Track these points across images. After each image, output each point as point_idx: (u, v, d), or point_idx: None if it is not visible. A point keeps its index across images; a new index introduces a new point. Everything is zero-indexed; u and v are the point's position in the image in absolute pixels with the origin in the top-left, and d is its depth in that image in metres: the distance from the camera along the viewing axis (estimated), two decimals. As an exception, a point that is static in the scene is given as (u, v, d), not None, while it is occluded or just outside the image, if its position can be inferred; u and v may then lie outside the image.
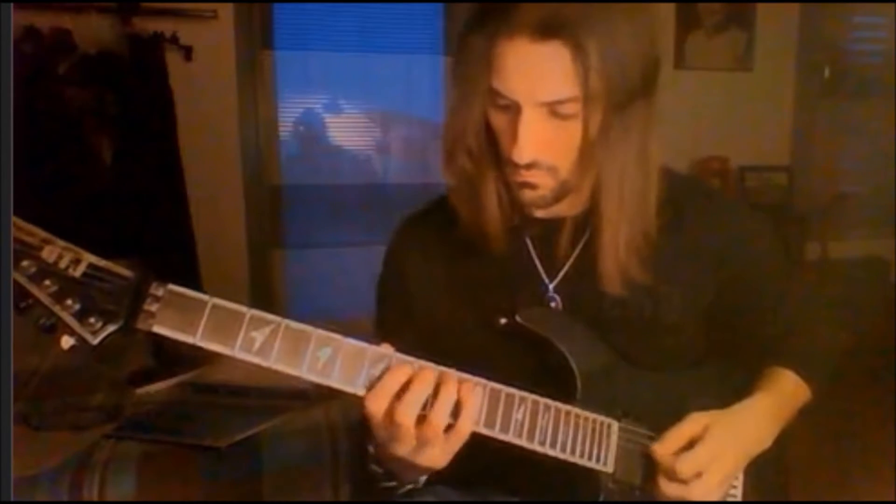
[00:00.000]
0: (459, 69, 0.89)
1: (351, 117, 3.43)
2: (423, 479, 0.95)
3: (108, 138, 2.75)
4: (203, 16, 2.90)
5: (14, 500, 1.35)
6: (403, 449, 0.83)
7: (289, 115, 3.29)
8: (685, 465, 0.90)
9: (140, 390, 1.86)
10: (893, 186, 3.65)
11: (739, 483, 1.01)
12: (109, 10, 2.73)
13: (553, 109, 0.86)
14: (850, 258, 3.74)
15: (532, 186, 0.92)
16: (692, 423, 0.93)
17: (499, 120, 0.90)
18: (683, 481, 0.90)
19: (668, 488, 0.91)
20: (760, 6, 3.65)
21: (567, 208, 0.97)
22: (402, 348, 0.84)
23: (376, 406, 0.81)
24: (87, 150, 2.70)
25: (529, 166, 0.89)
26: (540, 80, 0.84)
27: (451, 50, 3.31)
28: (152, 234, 2.74)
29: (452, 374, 0.83)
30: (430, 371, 0.82)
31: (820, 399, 1.06)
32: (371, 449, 0.93)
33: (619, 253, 0.93)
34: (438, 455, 0.84)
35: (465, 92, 0.89)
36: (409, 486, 0.96)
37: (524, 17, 0.82)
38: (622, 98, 0.85)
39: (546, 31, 0.82)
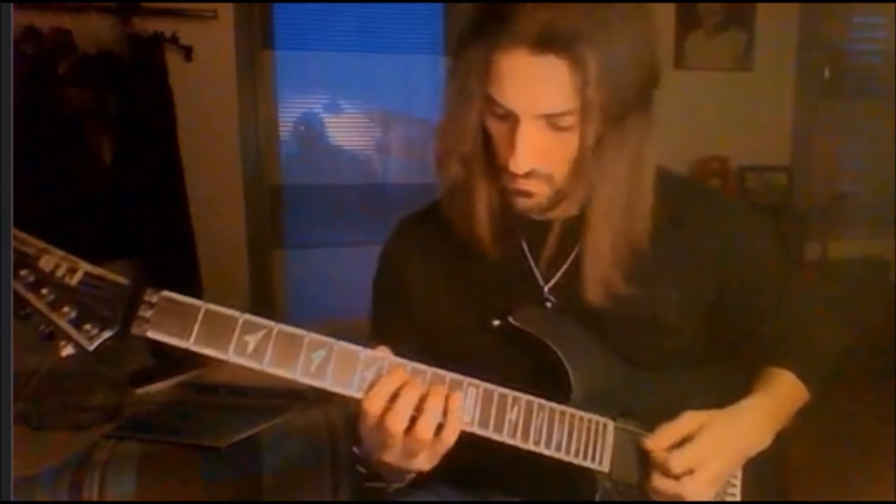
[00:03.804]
0: (455, 77, 0.89)
1: (351, 117, 3.43)
2: (409, 478, 0.95)
3: (108, 138, 2.74)
4: (203, 16, 2.89)
5: (14, 500, 1.35)
6: (390, 456, 0.84)
7: (289, 115, 3.28)
8: (677, 461, 0.90)
9: (140, 390, 1.86)
10: (893, 186, 3.64)
11: (738, 483, 1.01)
12: (109, 10, 2.72)
13: (550, 121, 0.86)
14: (850, 258, 3.72)
15: (528, 194, 0.92)
16: (687, 421, 0.93)
17: (496, 128, 0.90)
18: (675, 477, 0.91)
19: (661, 484, 0.92)
20: (760, 6, 3.64)
21: (563, 210, 0.97)
22: (398, 349, 0.84)
23: (374, 407, 0.81)
24: (87, 150, 2.69)
25: (527, 175, 0.89)
26: (538, 92, 0.84)
27: (451, 50, 3.30)
28: (152, 234, 2.74)
29: (441, 384, 0.84)
30: (419, 379, 0.83)
31: (819, 399, 1.06)
32: (356, 450, 0.94)
33: (602, 266, 0.93)
34: (424, 461, 0.85)
35: (460, 100, 0.89)
36: (395, 487, 0.96)
37: (523, 29, 0.81)
38: (619, 110, 0.85)
39: (545, 43, 0.81)
